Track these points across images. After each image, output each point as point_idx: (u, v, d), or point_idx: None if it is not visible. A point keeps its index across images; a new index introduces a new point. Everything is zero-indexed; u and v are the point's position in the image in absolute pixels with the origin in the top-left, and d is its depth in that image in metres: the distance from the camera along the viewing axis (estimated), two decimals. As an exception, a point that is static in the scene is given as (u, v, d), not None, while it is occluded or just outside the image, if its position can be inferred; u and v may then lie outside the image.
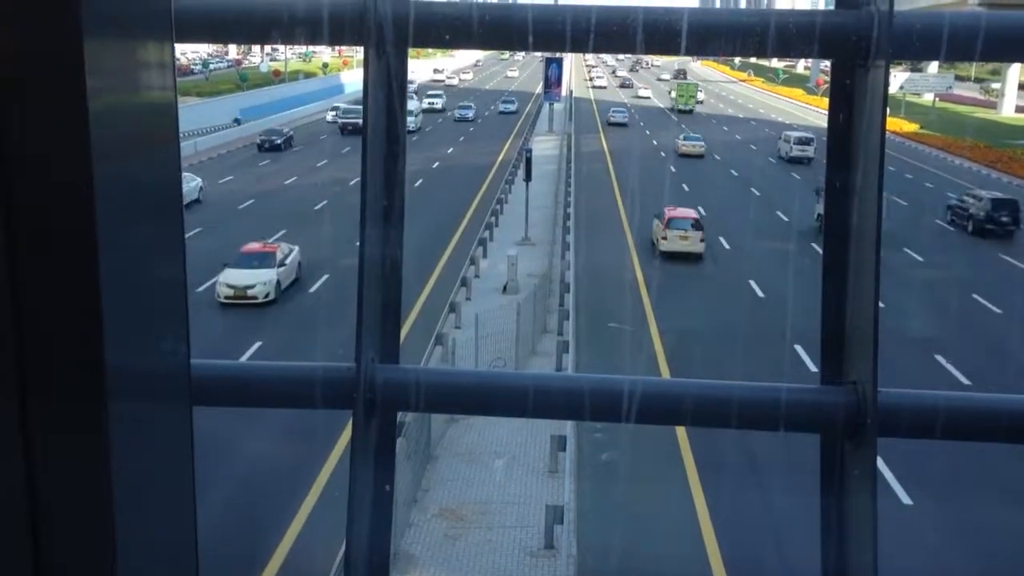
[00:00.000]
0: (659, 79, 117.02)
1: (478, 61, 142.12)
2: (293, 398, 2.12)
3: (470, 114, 68.24)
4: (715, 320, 22.53)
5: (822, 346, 1.98)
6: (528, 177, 31.30)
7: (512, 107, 74.08)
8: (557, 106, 61.86)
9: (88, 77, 0.78)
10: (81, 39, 0.78)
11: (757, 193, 41.19)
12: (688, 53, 1.87)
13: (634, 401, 1.86)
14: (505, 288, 24.82)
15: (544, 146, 51.32)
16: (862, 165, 1.88)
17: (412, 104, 58.95)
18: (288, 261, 24.89)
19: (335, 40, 1.92)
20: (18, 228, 0.81)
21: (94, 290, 0.82)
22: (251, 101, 65.44)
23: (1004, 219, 33.37)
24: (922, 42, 1.82)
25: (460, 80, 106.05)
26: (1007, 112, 77.40)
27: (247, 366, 2.20)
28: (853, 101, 1.89)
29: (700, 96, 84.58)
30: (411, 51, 2.05)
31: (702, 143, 52.79)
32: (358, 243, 1.93)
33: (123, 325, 0.87)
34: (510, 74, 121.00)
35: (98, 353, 0.83)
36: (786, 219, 35.28)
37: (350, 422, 1.94)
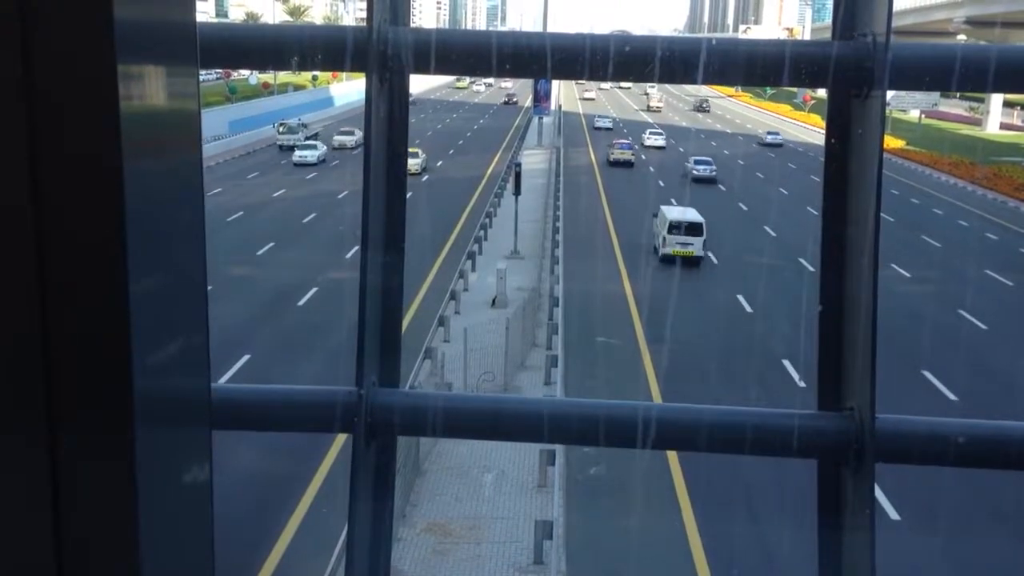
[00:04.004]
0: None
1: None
2: (295, 422, 2.12)
3: None
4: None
5: (819, 372, 1.99)
6: (517, 191, 31.35)
7: None
8: (546, 120, 62.06)
9: (120, 96, 0.81)
10: (115, 62, 0.80)
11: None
12: (704, 82, 1.90)
13: (648, 427, 1.87)
14: (494, 302, 24.80)
15: (533, 160, 51.41)
16: (858, 193, 1.90)
17: None
18: None
19: (342, 66, 1.93)
20: (48, 238, 0.82)
21: (123, 310, 0.83)
22: (240, 114, 65.29)
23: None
24: (922, 73, 1.85)
25: (337, 143, 54.20)
26: (992, 129, 78.01)
27: (246, 389, 2.21)
28: (850, 129, 1.92)
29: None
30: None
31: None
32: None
33: (150, 343, 0.87)
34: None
35: (126, 375, 0.84)
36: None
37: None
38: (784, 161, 58.47)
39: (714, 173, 48.15)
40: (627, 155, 53.50)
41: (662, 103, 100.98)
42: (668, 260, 28.98)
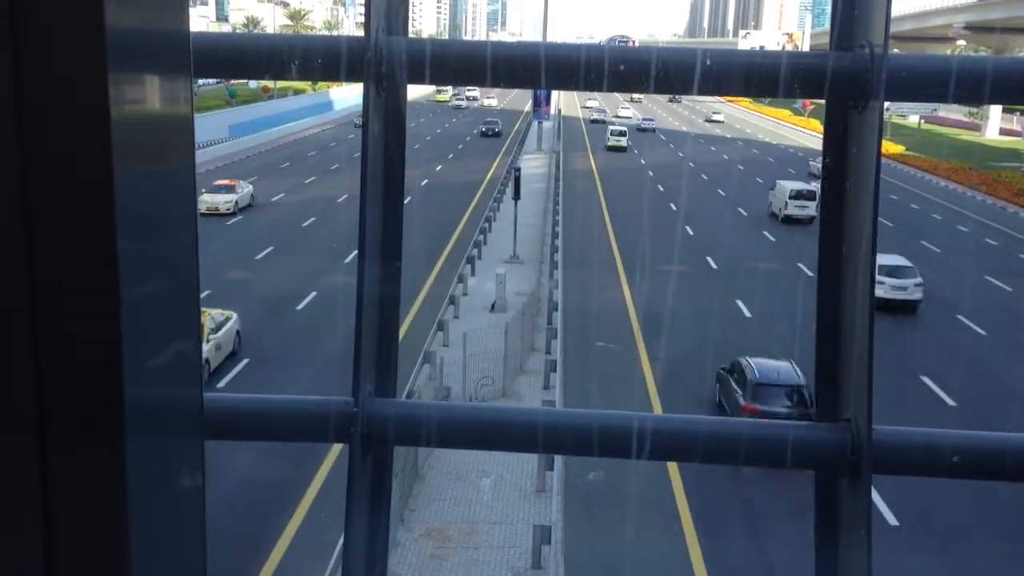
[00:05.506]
0: None
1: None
2: (289, 432, 2.11)
3: None
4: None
5: (816, 383, 1.99)
6: (516, 195, 31.33)
7: None
8: (546, 124, 62.20)
9: (112, 103, 0.81)
10: (106, 69, 0.80)
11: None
12: (700, 94, 1.90)
13: (643, 438, 1.86)
14: (493, 306, 24.78)
15: (532, 164, 51.44)
16: (856, 205, 1.89)
17: None
18: None
19: (338, 76, 1.93)
20: (39, 246, 0.82)
21: (114, 317, 0.83)
22: (239, 117, 65.37)
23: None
24: (920, 84, 1.85)
25: (206, 205, 35.08)
26: (991, 134, 78.08)
27: (239, 398, 2.20)
28: (847, 140, 1.91)
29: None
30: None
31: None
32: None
33: (142, 351, 0.87)
34: None
35: (117, 383, 0.83)
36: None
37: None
38: (713, 127, 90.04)
39: (654, 126, 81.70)
40: (601, 116, 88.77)
41: (642, 95, 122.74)
42: (611, 149, 63.07)
